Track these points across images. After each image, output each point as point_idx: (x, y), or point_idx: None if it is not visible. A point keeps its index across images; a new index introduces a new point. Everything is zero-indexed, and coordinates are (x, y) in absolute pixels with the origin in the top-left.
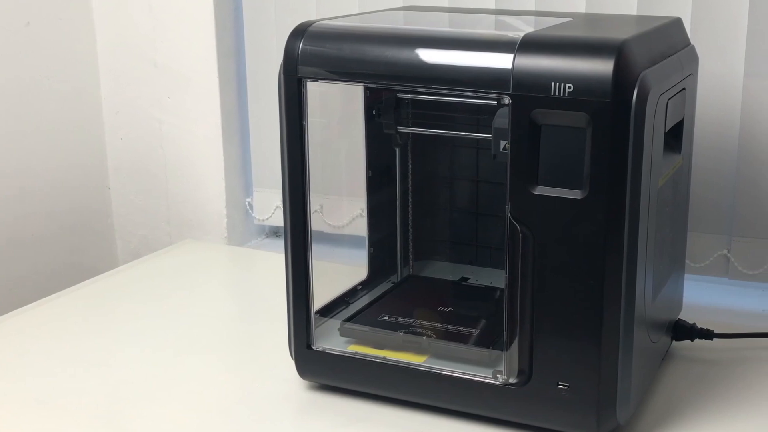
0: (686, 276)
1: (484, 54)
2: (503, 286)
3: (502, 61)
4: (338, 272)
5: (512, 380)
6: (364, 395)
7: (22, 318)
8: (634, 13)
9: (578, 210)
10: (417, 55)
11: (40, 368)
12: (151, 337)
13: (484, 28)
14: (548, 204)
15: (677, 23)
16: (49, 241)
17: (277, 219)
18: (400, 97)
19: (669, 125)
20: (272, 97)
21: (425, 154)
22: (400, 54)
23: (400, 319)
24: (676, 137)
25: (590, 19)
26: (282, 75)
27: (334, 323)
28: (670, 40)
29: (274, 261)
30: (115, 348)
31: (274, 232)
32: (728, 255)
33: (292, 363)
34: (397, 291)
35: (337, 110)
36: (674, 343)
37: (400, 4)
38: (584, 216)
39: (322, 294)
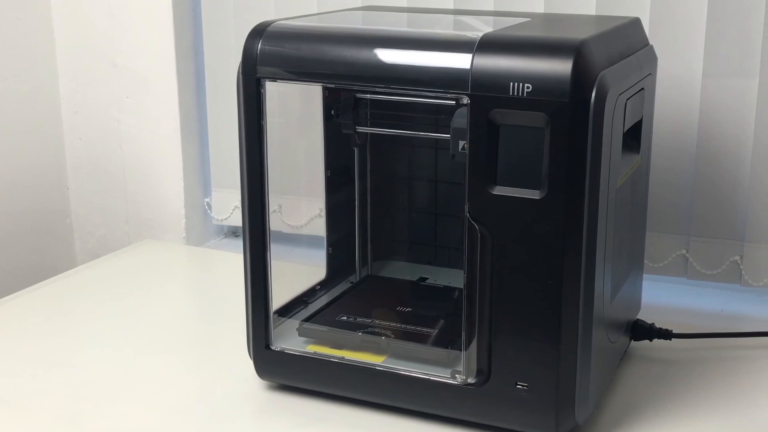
0: (645, 276)
1: (442, 54)
2: (462, 286)
3: (461, 61)
4: (297, 272)
5: (471, 380)
6: (323, 395)
7: None
8: (593, 13)
9: (537, 210)
10: (376, 56)
11: (0, 368)
12: (111, 337)
13: (443, 28)
14: (507, 204)
15: (636, 23)
16: (7, 241)
17: (236, 219)
18: (359, 97)
19: (628, 125)
20: (231, 97)
21: (384, 154)
22: (358, 54)
23: (359, 319)
24: (634, 137)
25: (549, 19)
26: (241, 75)
27: (293, 323)
28: (628, 40)
29: (233, 261)
30: (75, 348)
31: (232, 232)
32: (687, 255)
33: (250, 363)
34: (355, 291)
35: (296, 110)
36: (633, 343)
37: (359, 4)
38: (543, 216)
39: (280, 294)
